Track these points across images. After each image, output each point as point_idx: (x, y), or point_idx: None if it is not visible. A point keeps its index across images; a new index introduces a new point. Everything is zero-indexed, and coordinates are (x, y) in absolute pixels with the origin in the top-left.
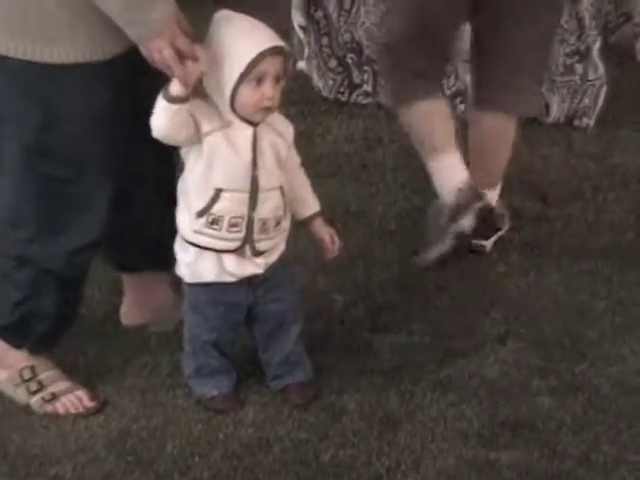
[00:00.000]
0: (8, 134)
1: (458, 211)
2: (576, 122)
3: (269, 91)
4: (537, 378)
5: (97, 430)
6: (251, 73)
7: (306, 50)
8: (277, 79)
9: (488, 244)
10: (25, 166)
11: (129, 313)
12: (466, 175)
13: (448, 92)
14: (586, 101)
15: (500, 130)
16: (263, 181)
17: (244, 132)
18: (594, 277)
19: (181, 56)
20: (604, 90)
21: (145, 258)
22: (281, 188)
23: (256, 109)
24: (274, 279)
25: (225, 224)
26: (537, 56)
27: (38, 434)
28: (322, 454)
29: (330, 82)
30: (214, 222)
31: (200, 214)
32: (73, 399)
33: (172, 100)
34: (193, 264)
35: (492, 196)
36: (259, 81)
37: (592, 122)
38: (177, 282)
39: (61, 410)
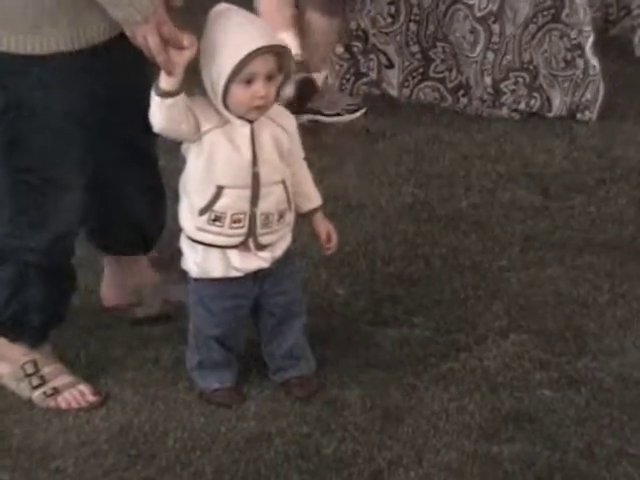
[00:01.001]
0: None
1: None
2: (578, 115)
3: (260, 90)
4: (539, 371)
5: (99, 424)
6: (241, 73)
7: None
8: (269, 78)
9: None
10: (0, 160)
11: (108, 294)
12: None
13: (450, 85)
14: (588, 95)
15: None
16: (265, 176)
17: (242, 129)
18: (596, 270)
19: (166, 44)
20: (602, 86)
21: (124, 242)
22: (284, 182)
23: (248, 108)
24: (280, 272)
25: (228, 221)
26: None
27: (40, 428)
28: (324, 448)
29: (337, 67)
30: (217, 219)
31: (202, 212)
32: (75, 393)
33: (163, 94)
34: (201, 263)
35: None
36: (249, 81)
37: (594, 116)
38: (158, 263)
39: (63, 405)
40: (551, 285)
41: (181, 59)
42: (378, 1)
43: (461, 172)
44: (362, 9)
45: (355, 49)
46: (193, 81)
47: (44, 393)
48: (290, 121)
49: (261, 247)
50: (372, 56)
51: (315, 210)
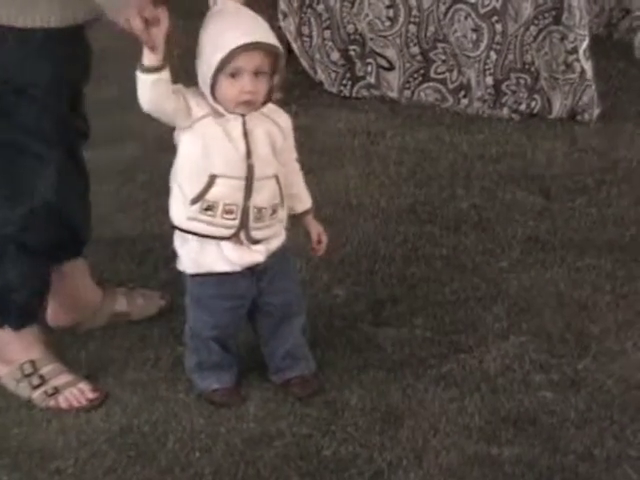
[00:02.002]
0: None
1: None
2: (579, 117)
3: (247, 85)
4: (539, 373)
5: (98, 424)
6: (226, 68)
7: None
8: (257, 74)
9: None
10: None
11: (55, 315)
12: None
13: (451, 86)
14: (584, 99)
15: None
16: (259, 170)
17: (235, 122)
18: (597, 272)
19: (147, 24)
20: (595, 90)
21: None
22: (276, 176)
23: (236, 102)
24: (277, 270)
25: (220, 210)
26: None
27: (39, 428)
28: (324, 449)
29: (332, 75)
30: (208, 208)
31: (194, 200)
32: (75, 392)
33: (146, 70)
34: (195, 257)
35: None
36: (234, 75)
37: (594, 118)
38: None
39: (64, 405)
40: (552, 286)
41: (159, 32)
42: (376, 5)
43: (462, 173)
44: (359, 13)
45: (352, 53)
46: (176, 66)
47: (45, 392)
48: (285, 119)
49: (254, 241)
50: (370, 60)
51: (306, 212)
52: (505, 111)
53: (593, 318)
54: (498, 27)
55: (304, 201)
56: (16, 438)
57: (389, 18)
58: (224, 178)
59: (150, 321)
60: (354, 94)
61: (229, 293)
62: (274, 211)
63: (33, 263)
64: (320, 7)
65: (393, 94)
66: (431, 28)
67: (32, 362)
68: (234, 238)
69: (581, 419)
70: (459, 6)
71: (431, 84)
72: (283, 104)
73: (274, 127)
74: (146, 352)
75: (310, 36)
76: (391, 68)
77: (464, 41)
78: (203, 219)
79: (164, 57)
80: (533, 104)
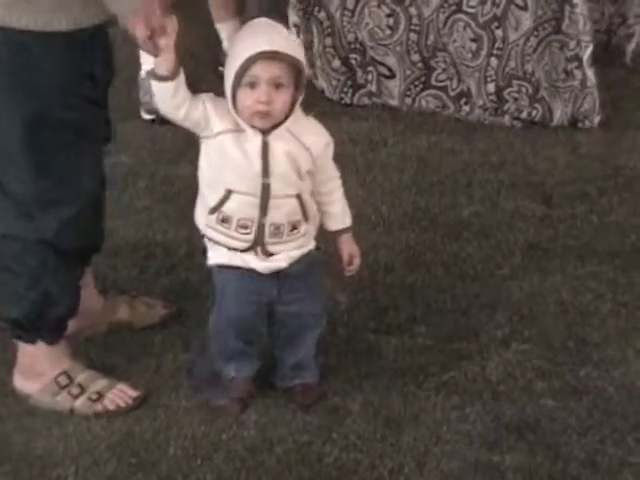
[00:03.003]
0: (2, 106)
1: None
2: (580, 124)
3: (263, 95)
4: (541, 380)
5: (99, 432)
6: (244, 77)
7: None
8: (276, 85)
9: None
10: (23, 139)
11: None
12: None
13: (452, 94)
14: (586, 106)
15: None
16: (276, 189)
17: (254, 139)
18: (599, 279)
19: (154, 33)
20: (598, 97)
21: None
22: (299, 196)
23: (251, 112)
24: (300, 280)
25: (234, 224)
26: None
27: (41, 436)
28: (325, 456)
29: (334, 82)
30: (224, 220)
31: (212, 210)
32: (118, 393)
33: (156, 78)
34: (220, 248)
35: None
36: (252, 86)
37: (595, 125)
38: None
39: (111, 407)
40: (553, 294)
41: (165, 43)
42: (376, 13)
43: (463, 180)
44: (360, 21)
45: (353, 62)
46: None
47: (89, 399)
48: (317, 141)
49: (270, 254)
50: (370, 68)
51: (341, 232)
52: (506, 118)
53: (594, 325)
54: (499, 33)
55: (339, 221)
56: (17, 445)
57: (389, 27)
58: (238, 194)
59: (152, 328)
60: (355, 102)
61: (253, 288)
62: (294, 227)
63: (71, 273)
64: (321, 15)
65: (394, 102)
66: (431, 37)
67: (65, 373)
68: (251, 251)
69: (583, 426)
70: (458, 16)
71: (432, 91)
72: None
73: (301, 150)
74: (148, 359)
75: (311, 43)
76: (392, 76)
77: (463, 51)
78: (220, 230)
79: (178, 65)
80: (534, 113)
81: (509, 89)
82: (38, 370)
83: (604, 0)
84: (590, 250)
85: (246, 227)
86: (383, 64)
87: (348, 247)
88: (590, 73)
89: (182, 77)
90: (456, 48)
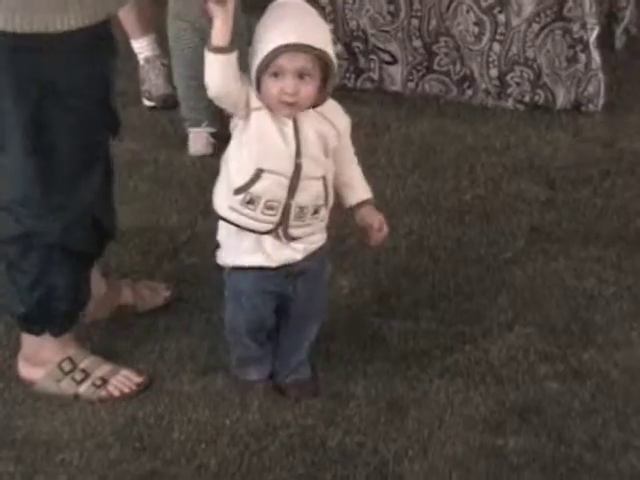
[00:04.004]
0: (8, 109)
1: None
2: (583, 108)
3: (289, 86)
4: (544, 364)
5: (104, 416)
6: (269, 66)
7: None
8: (301, 75)
9: None
10: (27, 140)
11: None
12: None
13: (455, 77)
14: (590, 89)
15: None
16: (306, 170)
17: (288, 119)
18: (602, 262)
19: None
20: (603, 79)
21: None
22: (324, 177)
23: (277, 102)
24: (311, 276)
25: (261, 205)
26: None
27: (45, 420)
28: (329, 440)
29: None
30: (250, 202)
31: (238, 191)
32: (122, 379)
33: (214, 50)
34: (235, 248)
35: None
36: (277, 75)
37: (599, 108)
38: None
39: (116, 393)
40: (556, 278)
41: (227, 12)
42: (377, 0)
43: (466, 164)
44: (361, 8)
45: (356, 49)
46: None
47: (93, 385)
48: (343, 120)
49: (290, 238)
50: (373, 56)
51: (365, 202)
52: (510, 102)
53: (598, 309)
54: (501, 18)
55: (362, 192)
56: (21, 430)
57: (390, 13)
58: (270, 173)
59: (155, 313)
60: (358, 86)
61: (266, 289)
62: (316, 211)
63: (78, 267)
64: (323, 0)
65: (397, 88)
66: (433, 22)
67: (69, 359)
68: (272, 233)
69: (586, 409)
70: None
71: (435, 76)
72: None
73: (329, 128)
74: (151, 344)
75: None
76: (394, 62)
77: (466, 35)
78: (243, 212)
79: (232, 41)
80: (537, 97)
81: (511, 74)
82: (43, 358)
83: None
84: (593, 234)
85: (272, 208)
86: (385, 51)
87: (376, 216)
88: (596, 55)
89: (235, 53)
90: (460, 32)
